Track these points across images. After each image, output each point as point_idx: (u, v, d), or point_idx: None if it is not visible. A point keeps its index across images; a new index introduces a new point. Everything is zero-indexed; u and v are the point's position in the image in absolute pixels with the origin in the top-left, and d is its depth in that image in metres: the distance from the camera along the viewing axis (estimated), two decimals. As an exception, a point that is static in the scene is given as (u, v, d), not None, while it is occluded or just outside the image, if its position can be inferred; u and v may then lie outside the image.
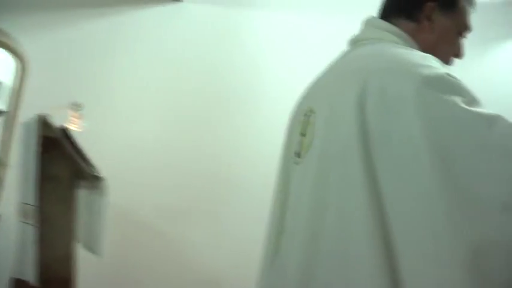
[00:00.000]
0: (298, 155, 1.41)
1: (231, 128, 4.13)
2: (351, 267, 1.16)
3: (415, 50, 1.36)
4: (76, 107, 3.40)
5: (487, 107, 1.17)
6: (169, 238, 3.98)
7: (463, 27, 1.51)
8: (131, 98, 4.14)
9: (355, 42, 1.51)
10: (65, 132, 3.35)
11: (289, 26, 4.31)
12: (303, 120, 1.43)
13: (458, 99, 1.15)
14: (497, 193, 1.06)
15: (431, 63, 1.24)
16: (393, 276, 1.10)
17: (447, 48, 1.51)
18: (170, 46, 4.25)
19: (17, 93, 3.91)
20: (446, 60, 1.50)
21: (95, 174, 3.30)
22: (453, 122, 1.13)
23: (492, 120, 1.12)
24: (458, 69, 1.44)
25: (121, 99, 4.13)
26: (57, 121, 3.25)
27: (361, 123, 1.20)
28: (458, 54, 1.54)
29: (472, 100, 1.18)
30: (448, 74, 1.21)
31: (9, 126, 3.87)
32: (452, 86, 1.19)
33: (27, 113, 3.18)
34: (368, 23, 1.53)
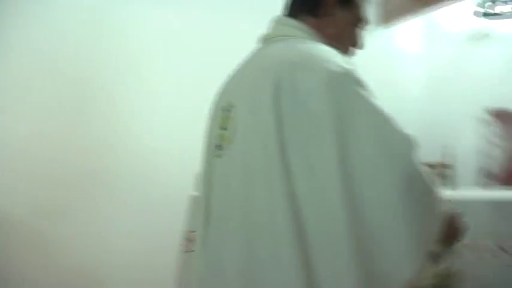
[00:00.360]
0: (219, 147, 1.52)
1: (106, 124, 4.08)
2: (272, 267, 1.29)
3: (321, 45, 1.50)
4: None
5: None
6: (45, 237, 3.85)
7: (360, 20, 1.68)
8: None
9: (265, 39, 1.64)
10: None
11: (166, 22, 4.37)
12: (222, 115, 1.54)
13: (364, 92, 1.38)
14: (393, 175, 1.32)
15: (337, 58, 1.41)
16: (308, 272, 1.27)
17: (348, 40, 1.67)
18: (42, 37, 4.14)
19: None
20: (347, 52, 1.67)
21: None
22: (360, 112, 1.35)
23: (387, 118, 1.38)
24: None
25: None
26: None
27: (277, 118, 1.33)
28: (358, 45, 1.71)
29: (371, 93, 1.40)
30: (353, 70, 1.40)
31: None
32: (357, 80, 1.39)
33: None
34: (277, 21, 1.66)
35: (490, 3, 4.93)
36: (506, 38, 5.26)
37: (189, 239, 2.88)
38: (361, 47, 1.73)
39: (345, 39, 1.66)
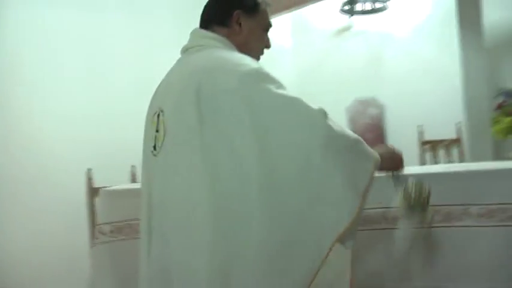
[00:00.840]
0: (154, 147, 1.72)
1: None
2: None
3: (233, 51, 1.74)
4: None
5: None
6: None
7: (266, 25, 1.88)
8: None
9: (186, 50, 1.83)
10: None
11: (57, 23, 4.29)
12: (154, 120, 1.74)
13: (271, 86, 1.58)
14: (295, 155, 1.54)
15: (246, 61, 1.65)
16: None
17: (257, 44, 1.87)
18: None
19: None
20: (258, 54, 1.87)
21: None
22: (269, 103, 1.55)
23: (295, 100, 1.58)
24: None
25: None
26: None
27: (198, 116, 1.56)
28: (267, 46, 1.91)
29: (280, 85, 1.60)
30: (260, 68, 1.62)
31: None
32: (264, 77, 1.60)
33: None
34: (193, 33, 1.85)
35: (352, 1, 5.35)
36: (367, 33, 5.75)
37: (100, 232, 2.91)
38: (268, 47, 1.92)
39: (253, 43, 1.84)
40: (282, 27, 5.90)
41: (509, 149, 2.61)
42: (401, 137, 5.55)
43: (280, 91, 1.58)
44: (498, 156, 5.56)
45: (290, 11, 5.66)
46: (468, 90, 5.54)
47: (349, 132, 1.68)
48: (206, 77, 1.60)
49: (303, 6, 5.54)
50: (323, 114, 1.62)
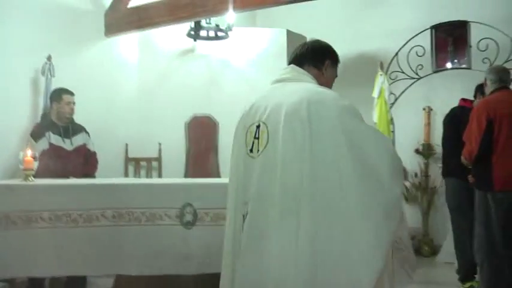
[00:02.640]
0: (251, 150, 2.28)
1: None
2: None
3: (324, 87, 2.36)
4: None
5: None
6: None
7: (336, 75, 2.57)
8: None
9: (283, 80, 2.42)
10: None
11: None
12: (254, 129, 2.29)
13: (358, 118, 2.24)
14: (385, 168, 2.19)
15: (340, 97, 2.27)
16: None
17: (331, 86, 2.50)
18: None
19: None
20: None
21: None
22: (360, 132, 2.20)
23: (375, 130, 2.41)
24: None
25: None
26: None
27: (309, 134, 2.14)
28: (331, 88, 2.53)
29: (362, 118, 2.27)
30: (351, 104, 2.26)
31: None
32: (354, 112, 2.25)
33: None
34: (293, 68, 2.44)
35: (198, 27, 5.85)
36: (209, 57, 6.35)
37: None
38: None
39: (330, 85, 2.48)
40: (129, 43, 6.22)
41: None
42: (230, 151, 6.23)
43: (364, 123, 2.27)
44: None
45: (140, 31, 6.07)
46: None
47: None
48: (314, 105, 2.19)
49: (153, 28, 5.97)
50: (391, 143, 2.55)
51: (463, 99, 5.09)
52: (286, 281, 2.07)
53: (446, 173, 5.01)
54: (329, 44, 2.57)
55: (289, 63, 2.49)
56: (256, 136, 2.29)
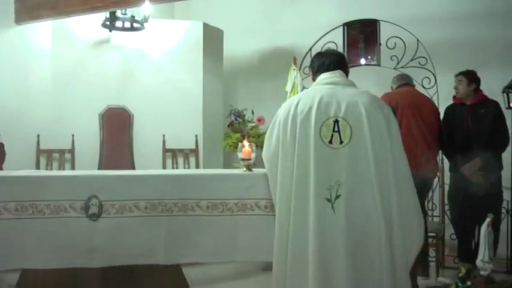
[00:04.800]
0: (330, 142, 2.82)
1: None
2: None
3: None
4: None
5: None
6: None
7: None
8: None
9: (336, 83, 2.98)
10: None
11: None
12: (332, 124, 2.82)
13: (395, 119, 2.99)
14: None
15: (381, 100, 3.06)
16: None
17: None
18: None
19: None
20: None
21: None
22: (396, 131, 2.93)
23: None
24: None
25: None
26: None
27: (387, 128, 2.84)
28: None
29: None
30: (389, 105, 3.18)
31: None
32: (392, 113, 2.99)
33: None
34: (341, 74, 3.03)
35: (113, 17, 5.78)
36: (124, 48, 6.30)
37: None
38: None
39: None
40: (42, 31, 6.08)
41: (236, 160, 3.40)
42: (147, 144, 6.23)
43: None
44: (228, 165, 6.54)
45: (53, 19, 5.94)
46: (206, 108, 6.41)
47: None
48: (385, 109, 2.93)
49: (69, 17, 5.87)
50: None
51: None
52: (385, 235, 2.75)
53: None
54: None
55: (329, 68, 3.04)
56: (335, 130, 2.82)
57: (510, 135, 4.88)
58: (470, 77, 4.90)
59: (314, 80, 3.13)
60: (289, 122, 2.87)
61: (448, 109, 4.99)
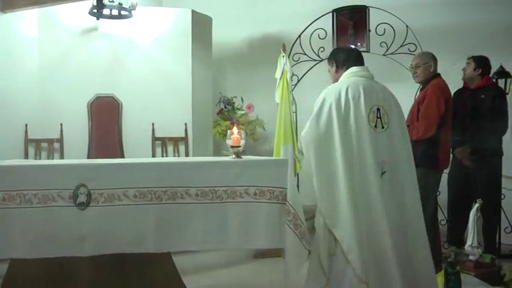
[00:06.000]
0: (375, 126, 3.26)
1: None
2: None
3: None
4: None
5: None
6: None
7: None
8: None
9: (367, 76, 3.40)
10: None
11: None
12: (375, 110, 3.27)
13: None
14: None
15: None
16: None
17: None
18: None
19: None
20: None
21: None
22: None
23: None
24: None
25: None
26: None
27: (400, 115, 3.44)
28: None
29: None
30: None
31: None
32: None
33: None
34: (367, 68, 3.47)
35: (100, 5, 5.70)
36: (112, 36, 6.23)
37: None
38: None
39: None
40: (28, 19, 6.00)
41: (226, 148, 3.43)
42: (136, 133, 6.20)
43: None
44: (217, 153, 6.54)
45: (40, 7, 5.87)
46: (196, 96, 6.38)
47: None
48: (394, 97, 3.45)
49: (55, 4, 5.81)
50: None
51: None
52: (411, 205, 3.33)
53: None
54: None
55: (362, 63, 3.47)
56: (378, 116, 3.27)
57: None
58: (478, 62, 4.97)
59: (337, 72, 3.51)
60: (343, 106, 3.24)
61: (455, 93, 5.00)
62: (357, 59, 3.46)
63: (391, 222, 3.17)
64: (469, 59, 5.04)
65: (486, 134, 4.80)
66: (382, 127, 3.28)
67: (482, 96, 4.92)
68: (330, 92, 3.32)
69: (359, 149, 3.22)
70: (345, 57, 3.48)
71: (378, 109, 3.27)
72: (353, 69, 3.40)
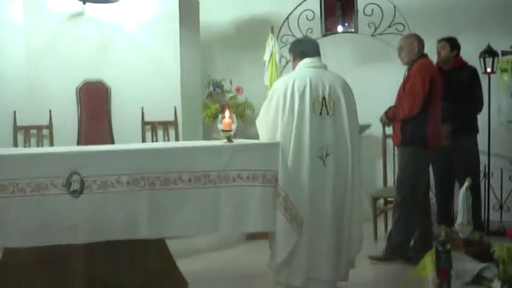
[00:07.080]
0: (320, 113, 3.64)
1: None
2: None
3: None
4: None
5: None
6: None
7: None
8: None
9: (319, 66, 3.80)
10: None
11: None
12: (321, 100, 3.64)
13: None
14: None
15: None
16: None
17: None
18: None
19: None
20: None
21: None
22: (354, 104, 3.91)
23: None
24: None
25: None
26: None
27: (347, 104, 3.72)
28: None
29: None
30: None
31: None
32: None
33: None
34: (320, 59, 3.83)
35: None
36: (99, 21, 6.17)
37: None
38: None
39: None
40: (13, 4, 5.94)
41: (216, 131, 3.49)
42: (125, 118, 6.17)
43: None
44: (207, 136, 6.53)
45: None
46: (184, 80, 6.34)
47: None
48: (347, 88, 3.79)
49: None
50: None
51: None
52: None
53: None
54: None
55: (315, 54, 3.81)
56: (324, 104, 3.64)
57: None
58: (453, 43, 5.10)
59: (294, 62, 3.89)
60: (289, 96, 3.63)
61: None
62: (311, 51, 3.83)
63: (332, 190, 3.67)
64: (439, 41, 5.11)
65: (465, 112, 5.02)
66: (327, 113, 3.66)
67: (459, 76, 5.02)
68: (280, 84, 3.81)
69: (297, 134, 3.61)
70: (301, 49, 3.88)
71: (324, 98, 3.65)
72: (306, 60, 3.80)
